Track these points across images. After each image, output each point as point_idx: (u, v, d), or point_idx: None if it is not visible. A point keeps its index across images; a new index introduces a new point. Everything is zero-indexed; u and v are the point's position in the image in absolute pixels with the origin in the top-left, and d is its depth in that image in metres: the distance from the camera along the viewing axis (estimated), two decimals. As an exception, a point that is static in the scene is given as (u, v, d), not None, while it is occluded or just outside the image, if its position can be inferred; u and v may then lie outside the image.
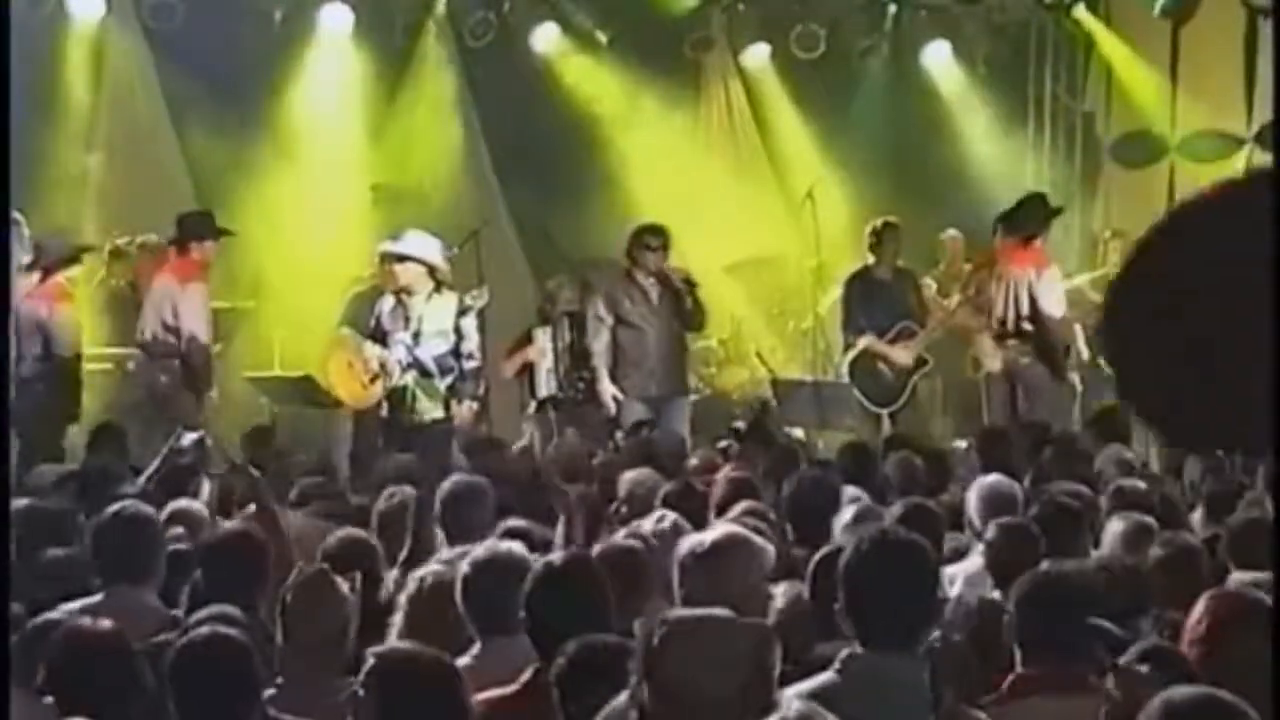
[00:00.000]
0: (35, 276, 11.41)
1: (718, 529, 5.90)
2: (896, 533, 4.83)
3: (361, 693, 4.59)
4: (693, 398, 13.03)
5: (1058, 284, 12.52)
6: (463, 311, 11.80)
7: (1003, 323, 12.38)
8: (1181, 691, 3.94)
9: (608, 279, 12.43)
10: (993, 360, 12.92)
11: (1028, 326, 12.31)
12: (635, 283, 12.23)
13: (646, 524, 6.83)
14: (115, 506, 6.75)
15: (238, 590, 5.93)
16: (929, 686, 4.52)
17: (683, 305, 12.21)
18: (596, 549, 6.16)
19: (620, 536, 6.56)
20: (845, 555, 4.71)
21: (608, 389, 12.23)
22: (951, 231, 14.42)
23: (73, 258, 11.56)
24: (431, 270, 11.69)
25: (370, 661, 4.65)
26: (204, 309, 11.97)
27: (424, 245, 11.82)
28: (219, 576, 6.18)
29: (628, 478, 8.34)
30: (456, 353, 11.76)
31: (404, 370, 11.75)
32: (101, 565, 6.45)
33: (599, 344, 12.25)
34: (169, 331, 11.84)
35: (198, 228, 11.92)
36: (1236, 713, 3.89)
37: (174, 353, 11.87)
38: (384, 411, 11.84)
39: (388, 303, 11.80)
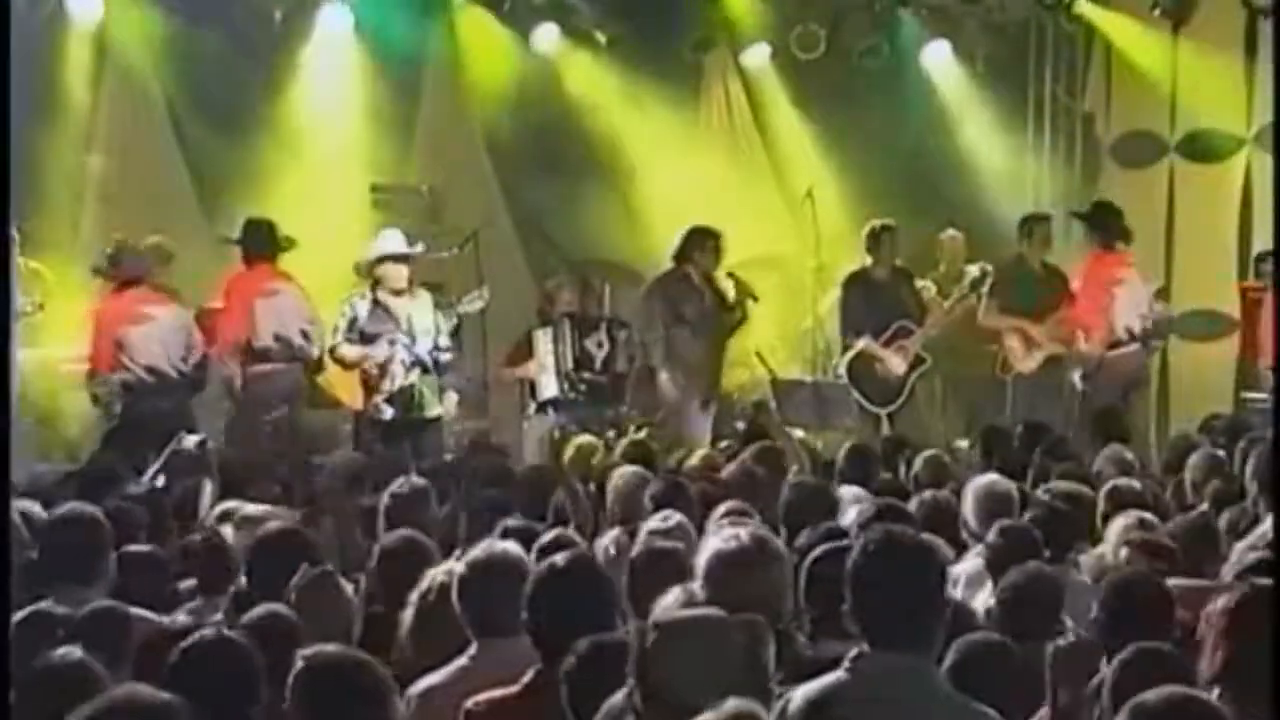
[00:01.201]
0: (111, 286, 11.63)
1: (744, 531, 5.88)
2: (902, 533, 4.82)
3: (290, 695, 4.58)
4: None
5: None
6: (437, 306, 11.96)
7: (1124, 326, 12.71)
8: (1155, 692, 3.96)
9: (664, 280, 12.75)
10: (1026, 361, 12.99)
11: (1149, 325, 12.81)
12: (692, 284, 12.57)
13: (652, 522, 6.85)
14: (61, 509, 6.74)
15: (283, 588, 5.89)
16: (941, 684, 4.52)
17: (730, 308, 12.65)
18: (634, 551, 6.19)
19: (645, 536, 6.59)
20: (852, 556, 4.71)
21: (669, 384, 12.54)
22: (951, 232, 14.41)
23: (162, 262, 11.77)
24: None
25: (298, 664, 4.64)
26: None
27: (406, 242, 12.02)
28: (265, 573, 6.17)
29: (615, 477, 8.34)
30: (436, 347, 11.92)
31: (408, 369, 11.81)
32: (50, 568, 6.41)
33: (659, 344, 12.60)
34: (306, 337, 12.06)
35: (277, 236, 12.14)
36: (1208, 712, 3.92)
37: (308, 357, 12.11)
38: (386, 413, 11.85)
39: (363, 306, 11.87)
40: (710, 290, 12.71)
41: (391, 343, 11.79)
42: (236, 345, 11.91)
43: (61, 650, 4.83)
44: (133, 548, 6.83)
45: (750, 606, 4.76)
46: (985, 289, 13.21)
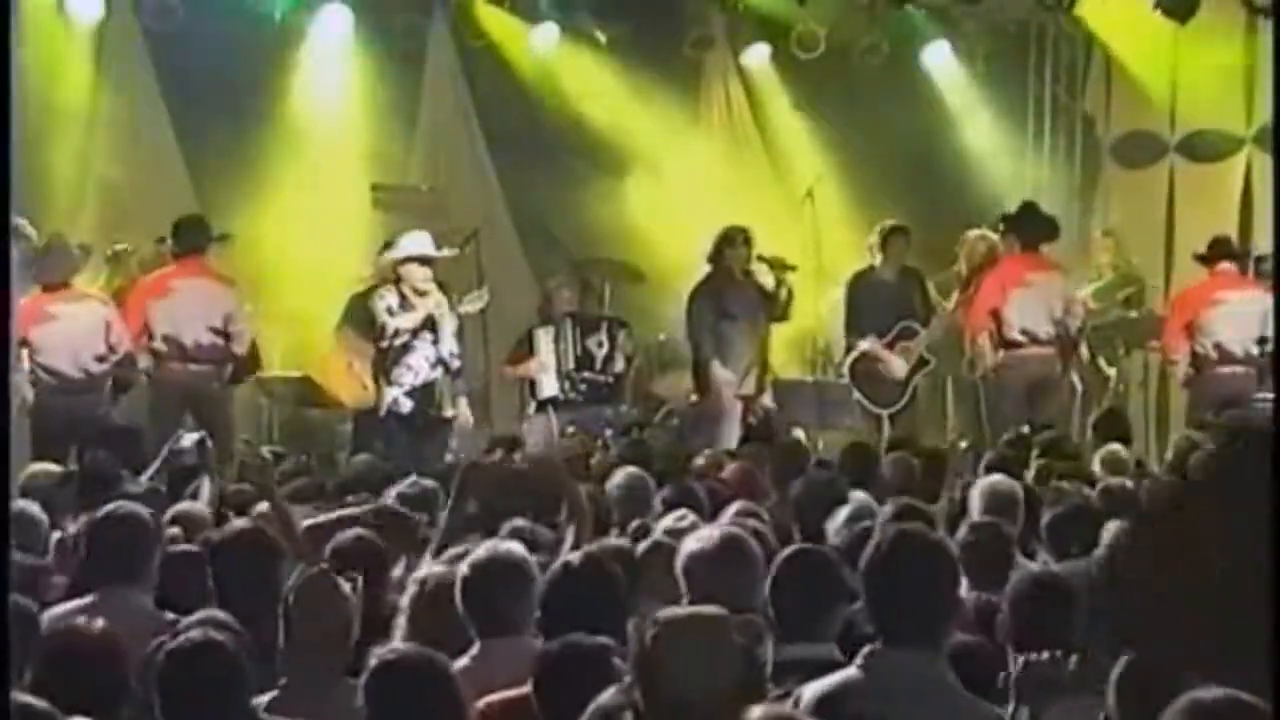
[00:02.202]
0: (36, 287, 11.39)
1: (716, 530, 5.90)
2: (917, 531, 4.81)
3: (363, 693, 4.60)
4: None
5: None
6: (450, 309, 11.97)
7: (1021, 329, 12.60)
8: (1209, 693, 3.96)
9: (706, 281, 12.73)
10: (990, 362, 12.95)
11: (1065, 329, 12.63)
12: (732, 278, 12.65)
13: (667, 521, 6.85)
14: (109, 507, 6.74)
15: (249, 590, 5.88)
16: (952, 683, 4.51)
17: (774, 298, 12.71)
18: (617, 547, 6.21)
19: (657, 536, 6.59)
20: (867, 553, 4.70)
21: (721, 371, 12.56)
22: (975, 232, 14.33)
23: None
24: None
25: (373, 661, 4.65)
26: None
27: (434, 245, 11.99)
28: (230, 576, 6.16)
29: (614, 478, 8.31)
30: (452, 352, 11.94)
31: (432, 367, 11.82)
32: (94, 566, 6.41)
33: (709, 339, 12.63)
34: (219, 335, 11.80)
35: (207, 231, 11.93)
36: (1258, 714, 3.92)
37: (227, 357, 11.86)
38: (404, 406, 11.79)
39: (393, 298, 11.82)
40: (750, 283, 12.72)
41: (419, 340, 11.79)
42: (135, 346, 11.65)
43: None
44: (175, 548, 6.82)
45: (719, 604, 4.76)
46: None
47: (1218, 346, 12.27)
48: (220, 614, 5.48)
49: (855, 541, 6.52)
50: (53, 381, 11.23)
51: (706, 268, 12.75)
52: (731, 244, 12.64)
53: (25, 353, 11.17)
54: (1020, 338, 12.48)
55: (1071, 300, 12.70)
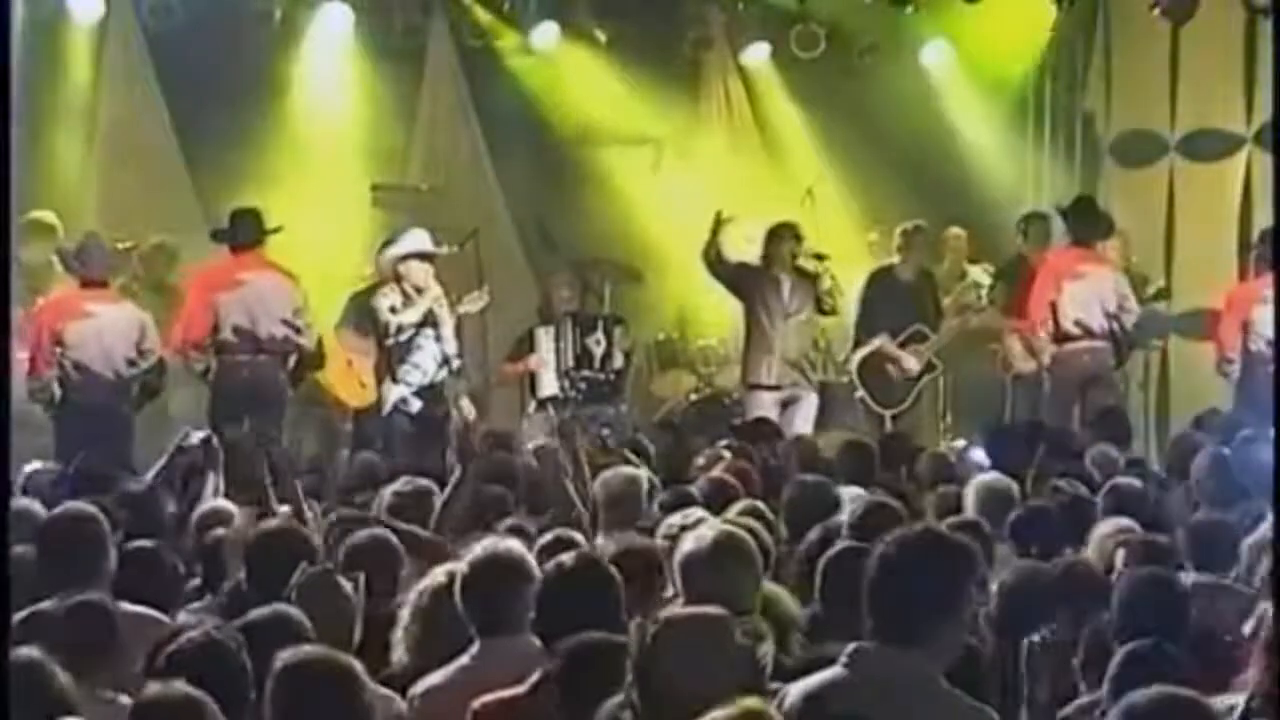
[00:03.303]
0: (75, 281, 11.41)
1: (712, 529, 5.91)
2: (913, 529, 4.81)
3: (268, 697, 4.59)
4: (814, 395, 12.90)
5: None
6: (451, 307, 11.99)
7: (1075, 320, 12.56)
8: (1143, 693, 4.00)
9: (751, 275, 12.67)
10: (1026, 362, 12.96)
11: (1120, 323, 12.59)
12: (773, 276, 12.56)
13: (675, 519, 6.87)
14: (57, 510, 6.73)
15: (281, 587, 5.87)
16: (940, 681, 4.51)
17: (819, 293, 12.60)
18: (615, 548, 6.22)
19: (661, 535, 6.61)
20: (875, 551, 4.69)
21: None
22: (955, 230, 14.37)
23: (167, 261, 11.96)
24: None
25: (277, 665, 4.64)
26: None
27: (433, 243, 11.99)
28: (264, 573, 6.16)
29: (607, 477, 8.28)
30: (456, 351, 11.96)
31: (439, 367, 11.82)
32: (50, 570, 6.37)
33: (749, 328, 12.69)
34: (288, 328, 11.70)
35: (263, 225, 11.83)
36: (1196, 709, 3.95)
37: (292, 351, 11.77)
38: (413, 406, 11.76)
39: (395, 296, 11.80)
40: (791, 277, 12.62)
41: (424, 339, 11.77)
42: (191, 341, 11.61)
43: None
44: (134, 544, 6.81)
45: (713, 603, 4.77)
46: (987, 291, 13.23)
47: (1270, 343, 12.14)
48: (287, 608, 5.42)
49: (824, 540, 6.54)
50: (80, 379, 11.17)
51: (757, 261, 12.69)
52: (778, 240, 12.61)
53: (57, 349, 11.15)
54: (1074, 330, 12.47)
55: (1125, 295, 12.63)
